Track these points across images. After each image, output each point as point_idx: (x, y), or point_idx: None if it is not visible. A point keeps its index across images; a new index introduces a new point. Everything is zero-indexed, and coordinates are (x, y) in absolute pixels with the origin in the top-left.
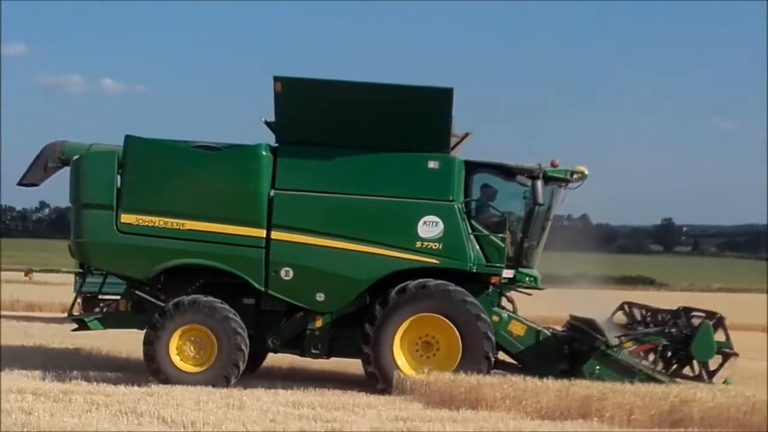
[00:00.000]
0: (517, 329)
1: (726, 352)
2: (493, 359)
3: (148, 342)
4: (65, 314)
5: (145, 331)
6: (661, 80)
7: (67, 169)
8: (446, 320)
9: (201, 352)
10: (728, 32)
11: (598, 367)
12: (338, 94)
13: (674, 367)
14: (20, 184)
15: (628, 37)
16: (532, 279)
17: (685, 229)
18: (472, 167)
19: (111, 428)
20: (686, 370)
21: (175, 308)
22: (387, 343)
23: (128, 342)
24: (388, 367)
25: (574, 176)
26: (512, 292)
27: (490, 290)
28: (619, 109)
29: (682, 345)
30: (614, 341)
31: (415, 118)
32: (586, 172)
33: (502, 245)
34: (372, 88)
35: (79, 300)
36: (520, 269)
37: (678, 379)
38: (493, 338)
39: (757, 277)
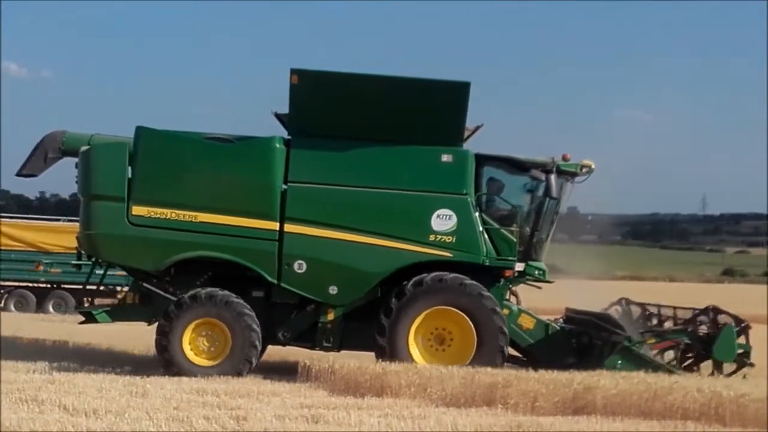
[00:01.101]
0: (526, 322)
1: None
2: (507, 353)
3: (161, 333)
4: None
5: (157, 322)
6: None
7: (66, 160)
8: (462, 314)
9: (215, 345)
10: (634, 23)
11: (619, 362)
12: (355, 87)
13: (689, 362)
14: (19, 174)
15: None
16: (541, 272)
17: (590, 217)
18: (481, 160)
19: (11, 416)
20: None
21: (192, 300)
22: (402, 335)
23: (30, 328)
24: (403, 359)
25: (583, 170)
26: (517, 285)
27: (501, 283)
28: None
29: (704, 345)
30: (636, 336)
31: (431, 112)
32: (593, 166)
33: (513, 239)
34: (389, 81)
35: None
36: (530, 262)
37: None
38: (507, 332)
39: (660, 265)
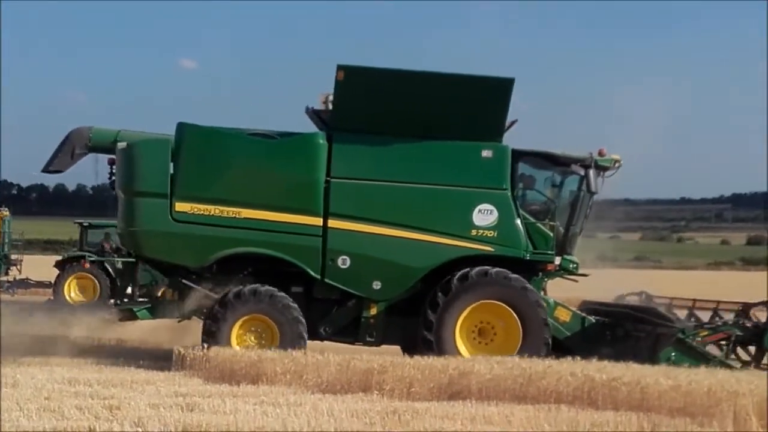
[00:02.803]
0: (563, 315)
1: None
2: (550, 345)
3: (208, 334)
4: None
5: (204, 322)
6: None
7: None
8: (507, 307)
9: (262, 341)
10: None
11: (673, 354)
12: (400, 83)
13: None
14: (45, 171)
15: None
16: (575, 265)
17: None
18: (517, 155)
19: None
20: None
21: (236, 298)
22: (449, 329)
23: None
24: (450, 352)
25: (615, 165)
26: (552, 279)
27: (539, 277)
28: None
29: (755, 336)
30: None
31: (474, 108)
32: (622, 162)
33: (549, 233)
34: (434, 77)
35: None
36: (565, 256)
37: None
38: (550, 324)
39: None
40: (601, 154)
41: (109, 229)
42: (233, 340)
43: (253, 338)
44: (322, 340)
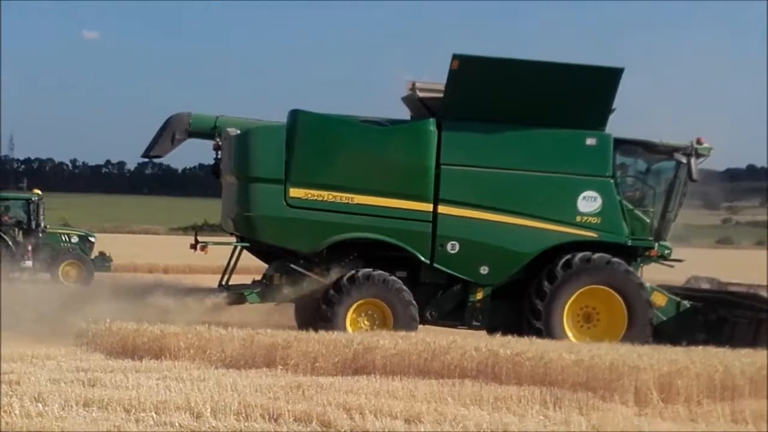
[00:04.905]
0: (659, 300)
1: None
2: (653, 325)
3: (324, 318)
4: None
5: (321, 308)
6: None
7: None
8: (612, 292)
9: (375, 325)
10: None
11: None
12: (513, 72)
13: None
14: (146, 156)
15: None
16: (669, 251)
17: None
18: (617, 143)
19: None
20: None
21: (350, 283)
22: (557, 316)
23: None
24: (556, 329)
25: (710, 153)
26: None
27: (636, 262)
28: None
29: None
30: None
31: (582, 96)
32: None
33: (647, 219)
34: (546, 66)
35: None
36: (660, 242)
37: None
38: (652, 306)
39: None
40: (699, 142)
41: (8, 202)
42: (348, 324)
43: (366, 321)
44: (426, 323)
